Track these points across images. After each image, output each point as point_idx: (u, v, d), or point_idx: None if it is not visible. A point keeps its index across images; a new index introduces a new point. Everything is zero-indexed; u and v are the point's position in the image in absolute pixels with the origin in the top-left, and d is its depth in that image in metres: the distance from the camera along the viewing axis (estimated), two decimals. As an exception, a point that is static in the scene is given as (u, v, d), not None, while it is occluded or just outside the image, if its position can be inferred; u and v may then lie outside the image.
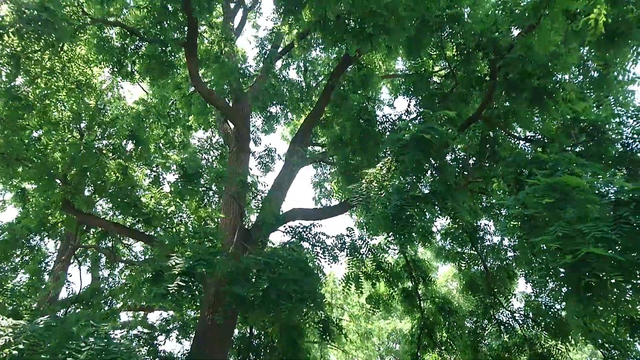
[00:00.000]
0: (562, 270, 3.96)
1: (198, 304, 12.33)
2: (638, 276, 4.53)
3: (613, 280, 4.00)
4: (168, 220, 13.42)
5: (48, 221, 13.57)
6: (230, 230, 11.26)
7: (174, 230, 13.52)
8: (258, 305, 9.05)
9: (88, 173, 12.00)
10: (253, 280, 9.02)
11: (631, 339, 9.22)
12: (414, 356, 11.95)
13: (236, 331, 12.24)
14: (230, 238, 11.06)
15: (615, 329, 9.40)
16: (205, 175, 12.64)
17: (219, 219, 12.41)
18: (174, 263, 8.48)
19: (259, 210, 11.66)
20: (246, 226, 11.81)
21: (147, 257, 15.26)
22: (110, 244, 15.52)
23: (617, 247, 4.24)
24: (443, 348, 12.09)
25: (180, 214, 13.86)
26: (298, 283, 8.70)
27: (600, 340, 9.95)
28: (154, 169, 14.67)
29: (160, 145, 16.07)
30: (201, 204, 12.90)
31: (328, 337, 10.89)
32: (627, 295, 4.97)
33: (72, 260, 15.58)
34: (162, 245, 9.75)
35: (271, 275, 8.68)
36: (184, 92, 15.21)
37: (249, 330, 12.63)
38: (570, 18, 6.54)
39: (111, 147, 13.27)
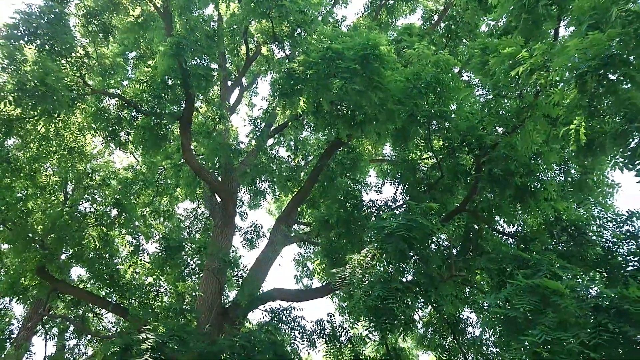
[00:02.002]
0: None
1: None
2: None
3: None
4: (144, 292, 13.05)
5: (20, 285, 13.11)
6: (208, 307, 10.95)
7: (149, 303, 13.13)
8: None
9: (67, 238, 11.79)
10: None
11: None
12: None
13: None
14: (207, 315, 10.73)
15: None
16: (187, 249, 12.49)
17: (197, 295, 12.11)
18: (144, 337, 8.15)
19: (239, 288, 11.43)
20: (224, 304, 11.51)
21: (117, 328, 14.65)
22: (80, 313, 14.92)
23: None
24: None
25: (157, 288, 13.52)
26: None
27: None
28: (136, 237, 14.48)
29: (145, 213, 15.97)
30: (180, 278, 12.62)
31: None
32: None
33: (38, 328, 14.88)
34: (134, 318, 9.41)
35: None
36: (174, 163, 15.36)
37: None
38: (551, 123, 6.88)
39: (94, 213, 13.15)
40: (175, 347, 8.22)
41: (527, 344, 4.26)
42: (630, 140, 4.96)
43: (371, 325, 5.93)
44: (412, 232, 6.13)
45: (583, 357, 3.98)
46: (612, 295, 4.46)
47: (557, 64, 5.34)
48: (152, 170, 15.81)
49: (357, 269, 6.53)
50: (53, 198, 13.10)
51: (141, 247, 14.34)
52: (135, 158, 17.40)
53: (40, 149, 12.01)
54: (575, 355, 3.98)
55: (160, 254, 12.30)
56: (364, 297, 5.72)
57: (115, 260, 13.54)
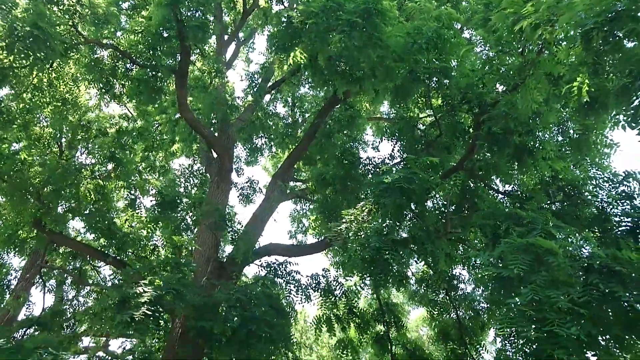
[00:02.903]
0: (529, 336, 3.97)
1: (164, 335, 12.00)
2: (601, 348, 4.57)
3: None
4: (141, 246, 13.15)
5: (17, 236, 13.17)
6: (204, 261, 11.06)
7: (146, 256, 13.26)
8: (226, 342, 8.85)
9: (63, 191, 11.76)
10: (223, 315, 8.83)
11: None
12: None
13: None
14: (203, 269, 10.86)
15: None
16: (182, 204, 12.50)
17: (193, 249, 12.22)
18: (141, 291, 8.26)
19: (235, 243, 11.53)
20: (221, 258, 11.63)
21: (115, 281, 14.84)
22: (78, 265, 15.08)
23: (584, 317, 4.27)
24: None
25: (154, 241, 13.61)
26: (269, 324, 8.55)
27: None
28: (132, 192, 14.47)
29: (141, 168, 15.89)
30: (176, 232, 12.69)
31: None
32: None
33: (36, 280, 15.07)
34: (131, 272, 9.51)
35: (243, 313, 8.52)
36: (169, 117, 15.17)
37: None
38: (553, 82, 6.77)
39: (90, 166, 13.07)
40: (172, 300, 8.34)
41: (517, 302, 4.33)
42: (634, 98, 4.88)
43: (366, 277, 5.98)
44: (411, 185, 6.11)
45: (571, 314, 4.04)
46: (604, 256, 4.49)
47: (564, 19, 5.19)
48: (147, 123, 15.62)
49: (353, 223, 6.55)
50: (48, 150, 12.98)
51: (137, 202, 14.36)
52: (130, 112, 17.18)
53: (34, 100, 11.80)
54: (563, 312, 4.04)
55: (155, 208, 12.33)
56: (359, 249, 5.76)
57: (112, 214, 13.57)
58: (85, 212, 12.59)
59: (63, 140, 13.94)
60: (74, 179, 11.78)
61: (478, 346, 11.93)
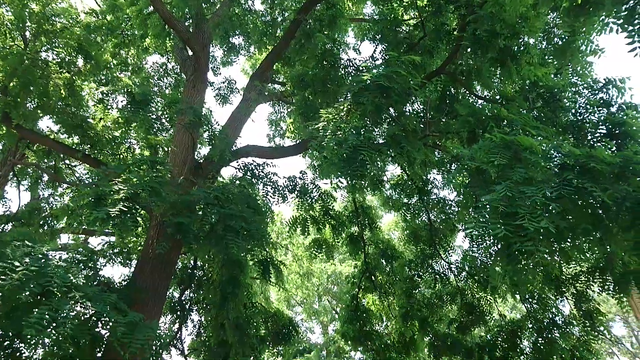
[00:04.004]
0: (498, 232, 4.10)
1: (141, 231, 12.20)
2: (569, 243, 4.78)
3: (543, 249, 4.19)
4: (115, 145, 12.92)
5: (-13, 133, 12.77)
6: (181, 161, 10.99)
7: (121, 155, 13.09)
8: (204, 238, 9.04)
9: (31, 85, 11.23)
10: (200, 213, 8.94)
11: (555, 296, 9.93)
12: (353, 297, 12.41)
13: (179, 263, 12.26)
14: (180, 169, 10.81)
15: (540, 286, 10.10)
16: (156, 103, 12.14)
17: (169, 149, 12.07)
18: (117, 188, 8.22)
19: (212, 143, 11.40)
20: (197, 158, 11.56)
21: (90, 179, 14.75)
22: (52, 163, 14.85)
23: (555, 213, 4.42)
24: (382, 291, 12.61)
25: (129, 140, 13.37)
26: (246, 220, 8.70)
27: (525, 296, 10.65)
28: (103, 90, 13.95)
29: (112, 65, 15.20)
30: (151, 132, 12.45)
31: (269, 276, 11.09)
32: (555, 258, 5.25)
33: (10, 178, 14.87)
34: (106, 170, 9.40)
35: (220, 210, 8.62)
36: (140, 9, 14.27)
37: (192, 263, 12.68)
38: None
39: (58, 60, 12.41)
40: (149, 197, 8.34)
41: (491, 198, 4.41)
42: (630, -1, 4.71)
43: (341, 177, 6.02)
44: (391, 83, 5.98)
45: (544, 209, 4.17)
46: (579, 153, 4.56)
47: None
48: (116, 18, 14.71)
49: (331, 122, 6.47)
50: (11, 42, 12.20)
51: (110, 100, 13.90)
52: (98, 4, 16.09)
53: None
54: (535, 207, 4.15)
55: (128, 107, 11.96)
56: (336, 148, 5.73)
57: (84, 113, 13.15)
58: (56, 109, 12.15)
59: (27, 33, 13.08)
60: (42, 73, 11.22)
61: (447, 247, 12.53)
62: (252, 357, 10.56)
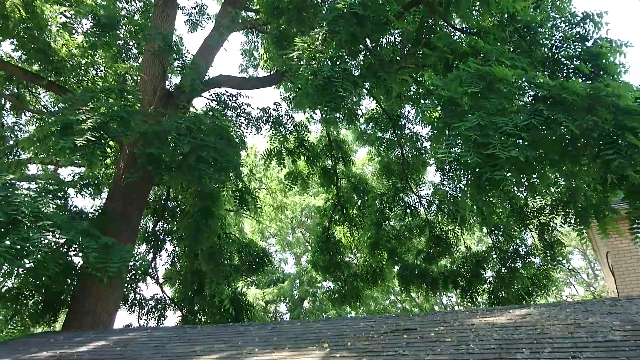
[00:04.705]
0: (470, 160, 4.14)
1: (111, 163, 11.99)
2: (536, 174, 4.90)
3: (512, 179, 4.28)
4: (81, 72, 12.37)
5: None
6: (151, 90, 10.64)
7: (88, 83, 12.60)
8: (176, 169, 8.96)
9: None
10: (172, 144, 8.79)
11: (520, 228, 10.33)
12: (324, 229, 12.68)
13: (152, 194, 12.20)
14: (150, 99, 10.49)
15: (506, 218, 10.46)
16: (123, 28, 11.57)
17: (138, 78, 11.65)
18: (84, 117, 7.95)
19: (182, 72, 11.04)
20: (168, 88, 11.22)
21: (56, 108, 14.22)
22: (15, 90, 14.18)
23: (526, 144, 4.48)
24: (352, 224, 12.89)
25: (95, 67, 12.81)
26: (219, 151, 8.61)
27: (491, 228, 11.05)
28: (66, 11, 13.14)
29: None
30: (118, 59, 11.93)
31: (243, 207, 11.16)
32: (522, 190, 5.40)
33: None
34: (73, 98, 9.05)
35: (192, 140, 8.49)
36: None
37: (165, 194, 12.63)
38: None
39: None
40: (117, 127, 8.11)
41: (464, 127, 4.43)
42: None
43: (316, 108, 5.93)
44: (366, 11, 5.79)
45: (514, 139, 4.22)
46: (553, 84, 4.56)
47: None
48: None
49: (306, 52, 6.29)
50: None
51: (73, 22, 13.13)
52: None
53: None
54: (507, 137, 4.20)
55: (93, 31, 11.35)
56: (311, 78, 5.60)
57: (47, 39, 12.43)
58: (15, 32, 11.44)
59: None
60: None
61: (418, 181, 12.76)
62: (225, 286, 10.83)
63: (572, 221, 8.62)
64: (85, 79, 12.64)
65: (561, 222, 9.34)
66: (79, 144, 7.39)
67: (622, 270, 10.32)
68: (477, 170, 4.27)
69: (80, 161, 11.63)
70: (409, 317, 5.28)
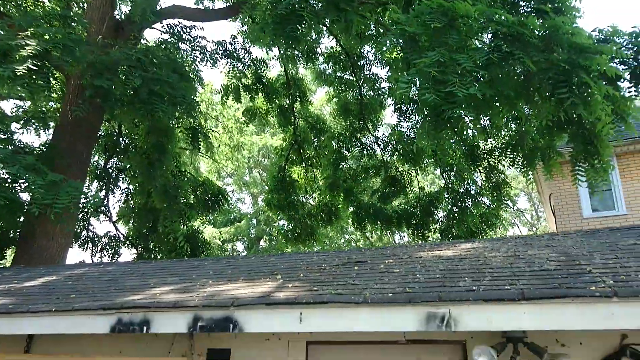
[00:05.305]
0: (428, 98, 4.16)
1: (58, 97, 11.40)
2: (489, 112, 4.99)
3: (469, 117, 4.36)
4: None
5: None
6: (98, 19, 9.99)
7: (28, 8, 11.70)
8: (127, 103, 8.61)
9: None
10: (122, 76, 8.40)
11: (471, 169, 10.67)
12: (280, 169, 12.69)
13: (103, 129, 11.76)
14: (98, 28, 9.87)
15: (458, 159, 10.76)
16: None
17: (85, 5, 10.90)
18: (24, 43, 7.44)
19: (133, 1, 10.38)
20: (118, 18, 10.58)
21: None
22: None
23: (484, 82, 4.52)
24: (309, 163, 12.94)
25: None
26: (172, 86, 8.31)
27: (445, 169, 11.36)
28: None
29: None
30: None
31: (198, 144, 10.96)
32: (478, 127, 5.52)
33: None
34: (10, 22, 8.41)
35: (144, 73, 8.13)
36: None
37: (116, 129, 12.20)
38: None
39: None
40: (61, 55, 7.63)
41: (422, 65, 4.42)
42: None
43: (276, 38, 5.73)
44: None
45: (473, 76, 4.25)
46: (513, 20, 4.56)
47: None
48: None
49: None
50: None
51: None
52: None
53: None
54: (466, 74, 4.22)
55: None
56: (270, 6, 5.38)
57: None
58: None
59: None
60: None
61: (376, 122, 12.82)
62: (180, 223, 10.78)
63: (520, 163, 8.96)
64: (25, 3, 11.73)
65: (509, 164, 9.69)
66: (19, 73, 6.95)
67: (562, 210, 10.93)
68: (435, 108, 4.32)
69: (22, 93, 11.01)
70: (360, 252, 5.45)
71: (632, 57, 5.51)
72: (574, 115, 5.60)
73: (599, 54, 4.26)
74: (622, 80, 5.66)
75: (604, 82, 4.54)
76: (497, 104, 4.86)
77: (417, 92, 4.51)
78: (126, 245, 12.38)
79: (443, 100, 4.14)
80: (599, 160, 5.95)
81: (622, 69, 5.27)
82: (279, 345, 3.83)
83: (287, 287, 3.75)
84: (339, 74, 13.00)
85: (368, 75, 12.85)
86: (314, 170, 13.15)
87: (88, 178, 10.86)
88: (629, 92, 5.68)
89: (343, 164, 12.57)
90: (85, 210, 11.10)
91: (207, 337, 3.96)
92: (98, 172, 12.06)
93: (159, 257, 11.49)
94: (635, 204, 10.43)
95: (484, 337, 3.35)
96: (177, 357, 3.87)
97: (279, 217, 18.04)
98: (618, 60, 4.99)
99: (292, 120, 12.68)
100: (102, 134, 11.88)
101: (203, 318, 3.38)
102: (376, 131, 12.87)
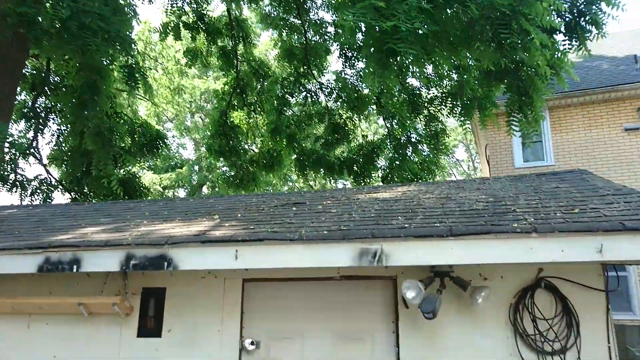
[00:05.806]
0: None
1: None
2: (433, 55, 5.04)
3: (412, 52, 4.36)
4: None
5: None
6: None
7: None
8: (55, 35, 7.99)
9: None
10: (49, 5, 7.74)
11: (412, 117, 10.86)
12: (222, 113, 12.37)
13: (29, 65, 10.92)
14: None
15: (400, 107, 10.90)
16: None
17: None
18: None
19: None
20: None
21: None
22: None
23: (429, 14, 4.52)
24: (252, 109, 12.69)
25: None
26: (105, 19, 7.77)
27: (387, 116, 11.49)
28: None
29: None
30: None
31: (135, 84, 10.42)
32: (421, 68, 5.57)
33: None
34: None
35: (73, 4, 7.52)
36: None
37: (45, 66, 11.37)
38: None
39: None
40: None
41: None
42: None
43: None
44: None
45: (421, 13, 4.24)
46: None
47: None
48: None
49: None
50: None
51: None
52: None
53: None
54: (414, 10, 4.20)
55: None
56: None
57: None
58: None
59: None
60: None
61: (321, 67, 12.64)
62: (114, 167, 10.37)
63: (458, 113, 9.22)
64: None
65: (448, 113, 9.94)
66: None
67: (496, 160, 11.45)
68: (381, 44, 4.30)
69: None
70: (300, 194, 5.49)
71: (567, 11, 5.68)
72: (512, 66, 5.78)
73: (539, 1, 4.36)
74: (557, 32, 5.85)
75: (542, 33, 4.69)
76: (441, 49, 4.91)
77: (363, 30, 4.46)
78: (59, 189, 11.85)
79: (388, 36, 4.13)
80: (531, 111, 6.24)
81: (558, 22, 5.43)
82: (215, 283, 3.86)
83: (224, 226, 3.74)
84: (284, 17, 12.60)
85: (314, 20, 12.54)
86: (257, 115, 12.92)
87: (14, 117, 10.17)
88: (563, 45, 5.91)
89: (286, 109, 12.41)
90: (12, 151, 10.46)
91: (142, 276, 3.92)
92: (25, 110, 11.30)
93: (94, 202, 11.10)
94: (562, 155, 11.08)
95: (414, 272, 3.51)
96: (109, 296, 3.82)
97: (220, 164, 17.78)
98: (554, 11, 5.12)
99: (235, 64, 12.28)
100: (29, 70, 11.07)
101: (136, 256, 3.32)
102: (321, 77, 12.73)
